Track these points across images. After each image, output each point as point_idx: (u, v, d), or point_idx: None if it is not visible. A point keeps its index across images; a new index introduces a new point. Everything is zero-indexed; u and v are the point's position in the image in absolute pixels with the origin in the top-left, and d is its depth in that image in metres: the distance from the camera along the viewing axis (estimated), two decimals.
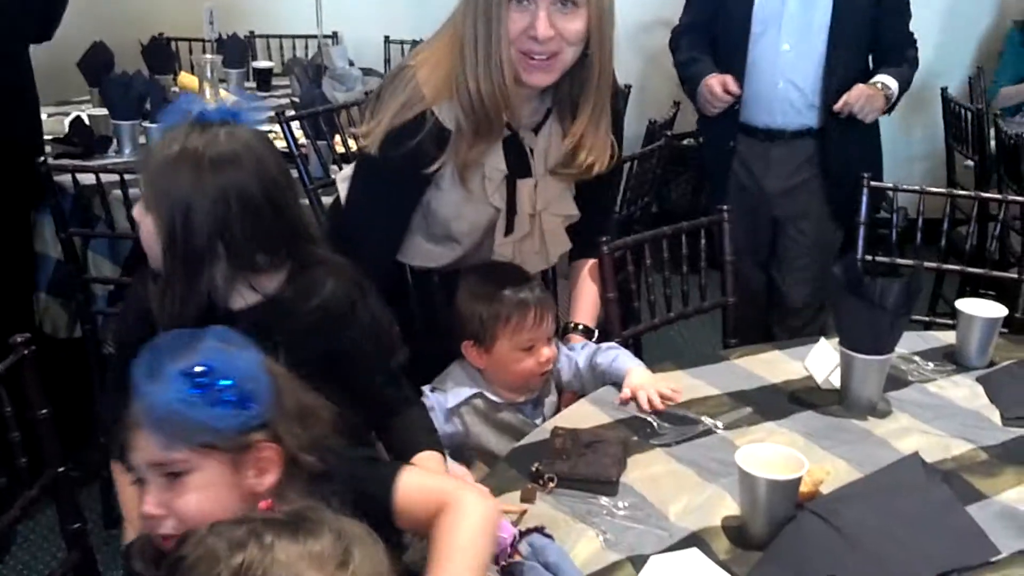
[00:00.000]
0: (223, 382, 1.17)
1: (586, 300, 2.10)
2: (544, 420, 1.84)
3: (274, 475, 1.22)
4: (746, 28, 2.83)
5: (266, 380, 1.21)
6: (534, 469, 1.53)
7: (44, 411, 1.58)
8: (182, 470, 1.19)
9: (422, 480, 1.34)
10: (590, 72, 1.80)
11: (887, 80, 2.82)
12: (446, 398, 1.84)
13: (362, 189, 1.92)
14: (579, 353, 1.92)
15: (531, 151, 1.89)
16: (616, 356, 1.87)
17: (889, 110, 2.91)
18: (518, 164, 1.88)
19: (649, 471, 1.56)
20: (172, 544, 1.16)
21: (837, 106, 2.78)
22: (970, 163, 4.02)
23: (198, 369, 1.17)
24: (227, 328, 1.26)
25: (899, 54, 2.89)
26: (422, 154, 1.79)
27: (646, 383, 1.78)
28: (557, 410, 1.89)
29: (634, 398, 1.77)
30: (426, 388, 1.84)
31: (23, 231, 2.81)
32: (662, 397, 1.76)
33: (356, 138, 2.13)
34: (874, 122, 2.91)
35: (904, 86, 2.88)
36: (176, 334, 1.24)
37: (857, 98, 2.77)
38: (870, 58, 2.91)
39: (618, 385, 1.81)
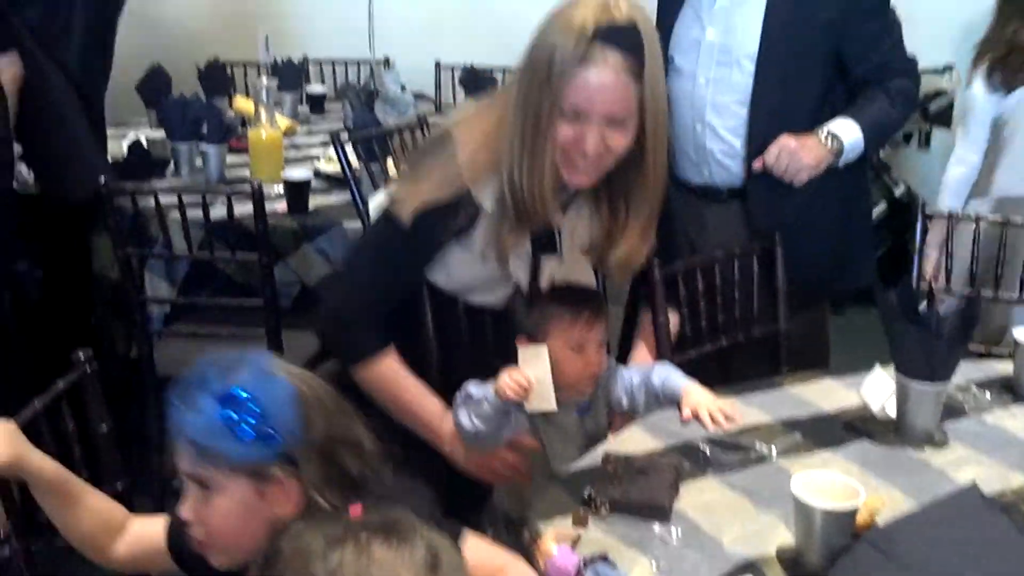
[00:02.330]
0: (248, 416, 1.19)
1: (642, 353, 2.11)
2: (593, 428, 1.84)
3: (291, 508, 1.23)
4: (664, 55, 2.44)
5: (294, 414, 1.22)
6: (586, 495, 1.53)
7: (105, 427, 1.61)
8: (210, 486, 1.22)
9: (486, 545, 1.35)
10: (643, 175, 1.78)
11: (839, 128, 2.27)
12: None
13: (375, 244, 1.94)
14: (633, 372, 1.92)
15: (558, 230, 1.88)
16: (669, 375, 1.86)
17: (865, 159, 2.41)
18: (544, 242, 1.87)
19: (702, 498, 1.56)
20: (203, 549, 1.25)
21: (754, 164, 2.29)
22: None
23: (229, 395, 1.19)
24: (270, 354, 1.29)
25: (877, 87, 2.33)
26: (452, 229, 1.80)
27: (706, 401, 1.77)
28: (608, 424, 1.88)
29: (696, 417, 1.75)
30: (471, 383, 1.78)
31: (82, 251, 2.87)
32: (725, 416, 1.74)
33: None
34: (841, 178, 2.35)
35: (877, 129, 2.34)
36: (220, 355, 1.26)
37: (776, 155, 2.25)
38: (833, 94, 2.36)
39: (675, 404, 1.80)
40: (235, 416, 1.19)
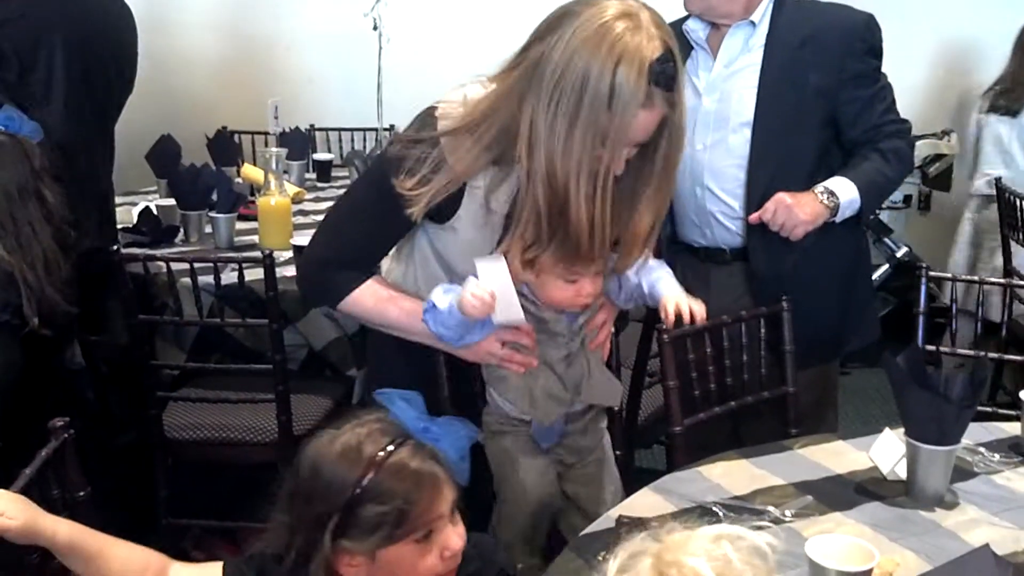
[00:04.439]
0: None
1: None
2: (582, 338, 1.90)
3: None
4: None
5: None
6: (600, 558, 1.53)
7: (82, 493, 1.62)
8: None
9: None
10: (652, 168, 1.79)
11: (835, 186, 2.32)
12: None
13: (353, 194, 2.02)
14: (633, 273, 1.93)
15: None
16: (658, 281, 1.89)
17: (862, 218, 2.42)
18: None
19: None
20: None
21: (751, 217, 2.34)
22: None
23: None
24: None
25: (871, 148, 2.39)
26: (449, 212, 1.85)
27: (681, 298, 1.85)
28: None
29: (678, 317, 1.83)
30: (440, 287, 1.81)
31: (94, 317, 2.89)
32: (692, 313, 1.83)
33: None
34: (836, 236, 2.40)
35: (873, 187, 2.37)
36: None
37: (773, 211, 2.29)
38: (830, 155, 2.42)
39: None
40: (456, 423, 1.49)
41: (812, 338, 2.36)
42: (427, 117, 1.85)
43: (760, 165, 2.35)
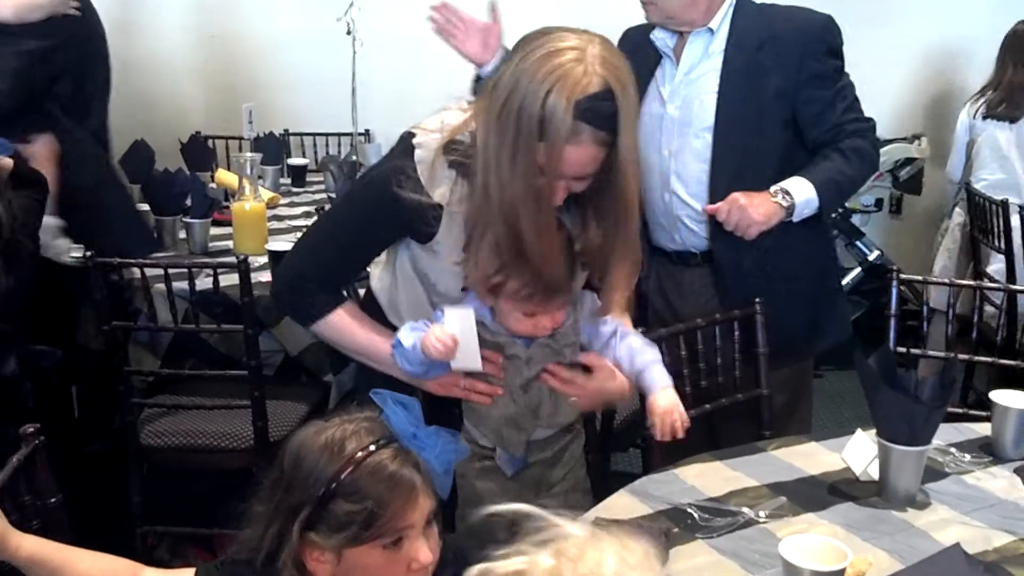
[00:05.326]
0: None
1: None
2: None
3: None
4: None
5: None
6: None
7: (53, 500, 1.62)
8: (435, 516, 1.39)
9: None
10: (612, 190, 1.76)
11: (791, 186, 2.33)
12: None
13: (332, 214, 2.06)
14: (626, 346, 1.92)
15: None
16: (646, 369, 1.90)
17: (822, 216, 2.43)
18: None
19: (692, 562, 1.57)
20: None
21: (705, 208, 2.37)
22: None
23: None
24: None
25: (832, 147, 2.39)
26: (414, 219, 1.83)
27: (671, 410, 1.85)
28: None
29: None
30: (407, 325, 1.85)
31: (69, 323, 2.87)
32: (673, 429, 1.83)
33: None
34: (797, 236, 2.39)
35: (831, 186, 2.37)
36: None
37: (727, 211, 2.30)
38: (795, 157, 2.42)
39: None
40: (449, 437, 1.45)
41: (781, 338, 2.38)
42: (405, 144, 1.85)
43: (722, 168, 2.38)
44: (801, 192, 2.33)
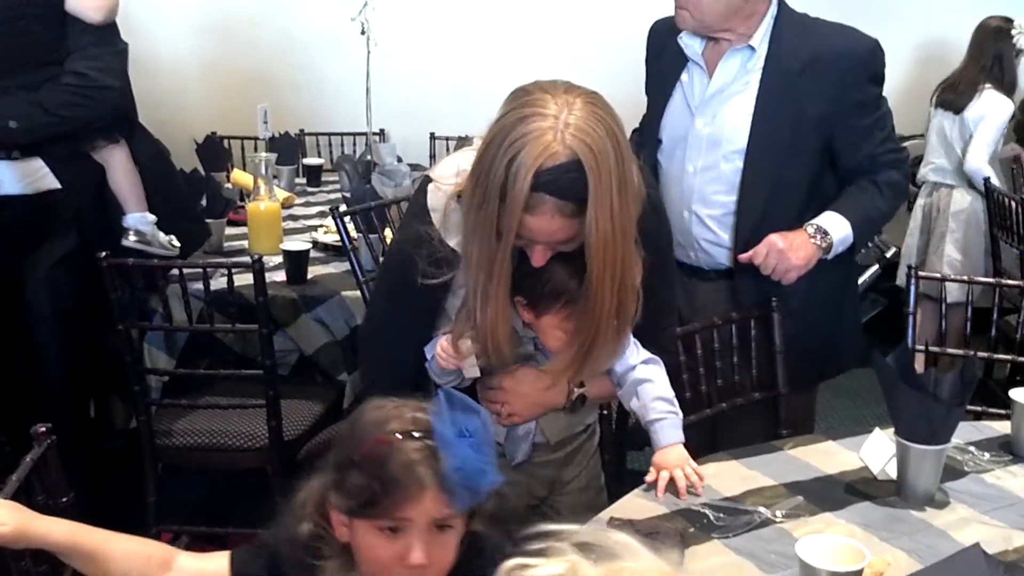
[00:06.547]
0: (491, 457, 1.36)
1: None
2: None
3: None
4: (656, 140, 2.40)
5: None
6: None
7: (66, 499, 1.63)
8: (452, 526, 1.35)
9: None
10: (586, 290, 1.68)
11: (828, 223, 2.24)
12: None
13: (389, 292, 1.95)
14: (638, 388, 1.87)
15: None
16: (660, 424, 1.84)
17: (855, 251, 2.36)
18: None
19: (708, 563, 1.56)
20: None
21: (741, 257, 2.26)
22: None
23: (478, 439, 1.35)
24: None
25: (866, 179, 2.30)
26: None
27: (672, 463, 1.79)
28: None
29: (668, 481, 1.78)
30: (435, 338, 1.85)
31: (84, 324, 2.88)
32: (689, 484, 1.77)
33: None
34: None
35: (866, 223, 2.32)
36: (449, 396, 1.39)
37: (765, 255, 2.20)
38: (823, 184, 2.34)
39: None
40: (488, 457, 1.35)
41: (795, 365, 2.33)
42: (420, 195, 1.82)
43: (751, 196, 2.28)
44: (838, 230, 2.24)
